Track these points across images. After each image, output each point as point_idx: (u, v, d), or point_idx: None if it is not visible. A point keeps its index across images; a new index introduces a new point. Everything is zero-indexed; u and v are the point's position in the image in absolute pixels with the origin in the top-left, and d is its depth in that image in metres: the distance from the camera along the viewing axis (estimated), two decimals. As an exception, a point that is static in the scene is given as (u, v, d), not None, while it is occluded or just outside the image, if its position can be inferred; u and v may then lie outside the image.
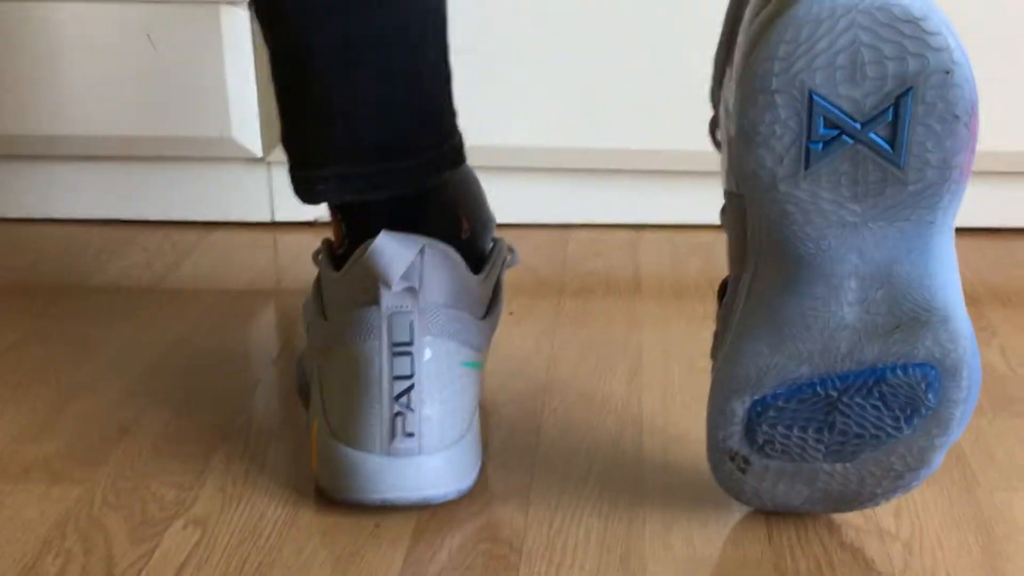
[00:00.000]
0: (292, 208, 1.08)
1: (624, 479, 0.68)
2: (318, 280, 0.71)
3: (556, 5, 0.99)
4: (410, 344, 0.63)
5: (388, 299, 0.63)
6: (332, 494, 0.65)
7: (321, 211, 1.06)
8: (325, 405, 0.66)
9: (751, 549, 0.62)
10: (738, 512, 0.65)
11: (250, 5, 0.67)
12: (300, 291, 0.94)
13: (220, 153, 1.04)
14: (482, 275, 0.69)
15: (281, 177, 1.07)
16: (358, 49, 0.63)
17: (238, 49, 1.01)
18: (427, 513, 0.65)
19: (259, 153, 1.04)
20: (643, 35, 1.00)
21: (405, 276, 0.63)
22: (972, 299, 0.67)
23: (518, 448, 0.72)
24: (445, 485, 0.64)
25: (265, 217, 1.08)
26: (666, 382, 0.79)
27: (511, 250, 0.74)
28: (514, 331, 0.87)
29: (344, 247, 0.69)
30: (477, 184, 0.74)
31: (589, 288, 0.95)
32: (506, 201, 1.08)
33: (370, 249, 0.63)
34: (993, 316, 0.88)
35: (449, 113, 0.69)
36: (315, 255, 0.71)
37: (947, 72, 0.53)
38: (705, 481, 0.68)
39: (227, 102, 1.02)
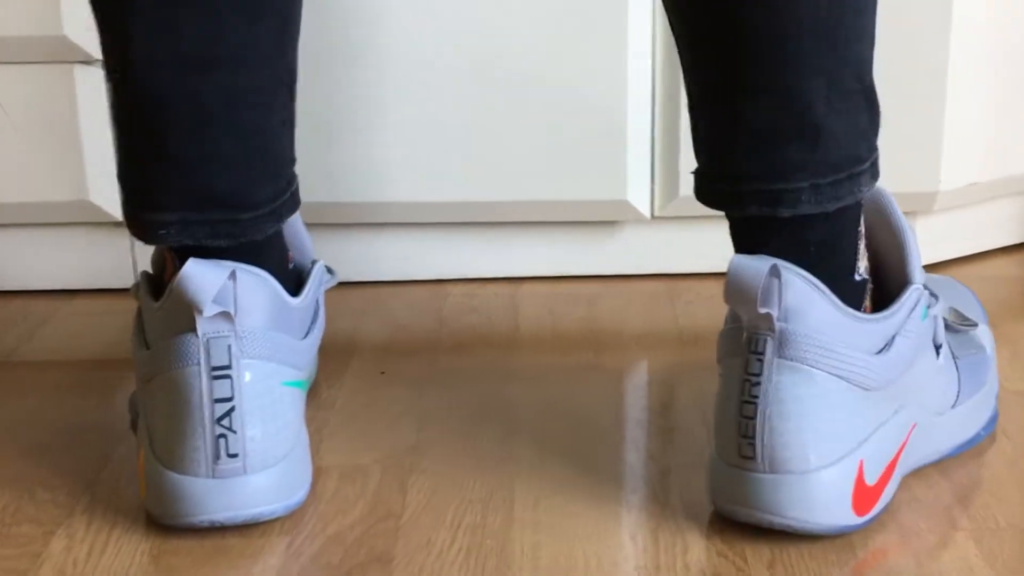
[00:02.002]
0: (157, 273, 1.03)
1: (493, 540, 0.65)
2: (139, 312, 0.71)
3: (429, 59, 0.97)
4: (229, 367, 0.64)
5: (204, 324, 0.64)
6: (161, 520, 0.66)
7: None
8: (151, 433, 0.66)
9: (622, 609, 0.59)
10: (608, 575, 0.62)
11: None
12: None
13: (77, 218, 1.00)
14: (300, 298, 0.70)
15: (145, 241, 1.03)
16: (210, 105, 0.64)
17: (94, 109, 0.97)
18: (279, 588, 0.61)
19: (119, 216, 1.00)
20: (515, 86, 0.98)
21: (218, 301, 0.64)
22: None
23: (383, 512, 0.68)
24: (272, 502, 0.65)
25: (128, 282, 1.03)
26: (540, 439, 0.77)
27: (330, 271, 0.77)
28: (385, 390, 0.84)
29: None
30: (297, 215, 0.78)
31: (465, 344, 0.92)
32: (381, 258, 1.05)
33: (179, 276, 0.63)
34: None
35: (290, 163, 0.70)
36: (135, 288, 0.72)
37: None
38: (576, 540, 0.65)
39: (83, 164, 0.98)
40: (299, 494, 0.67)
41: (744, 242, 0.67)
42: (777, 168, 0.64)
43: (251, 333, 0.65)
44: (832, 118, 0.64)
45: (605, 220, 1.03)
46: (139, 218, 0.67)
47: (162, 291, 0.67)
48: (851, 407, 0.63)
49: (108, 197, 0.99)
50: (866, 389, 0.64)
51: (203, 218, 0.66)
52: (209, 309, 0.63)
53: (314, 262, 0.76)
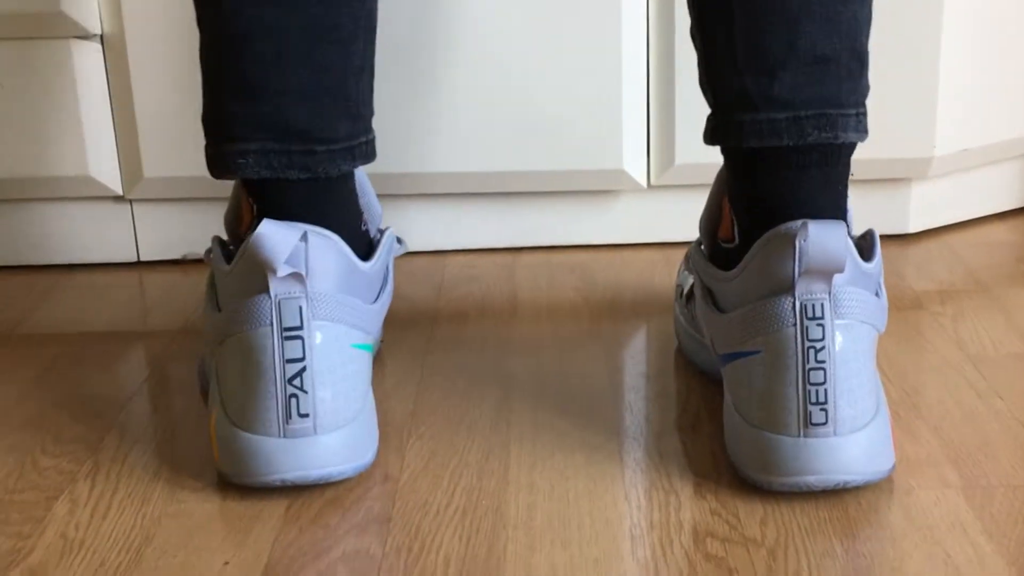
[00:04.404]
0: (158, 247, 1.04)
1: (488, 502, 0.66)
2: (211, 277, 0.73)
3: (427, 34, 0.98)
4: (300, 328, 0.65)
5: (277, 286, 0.65)
6: (236, 479, 0.67)
7: (189, 248, 1.04)
8: (223, 395, 0.68)
9: (614, 567, 0.60)
10: (601, 535, 0.63)
11: None
12: (169, 331, 0.91)
13: (78, 192, 1.01)
14: (371, 262, 0.71)
15: (145, 215, 1.04)
16: (289, 39, 0.67)
17: (92, 85, 0.98)
18: (280, 546, 0.62)
19: (119, 191, 1.01)
20: (511, 58, 0.98)
21: (290, 262, 0.65)
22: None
23: (380, 476, 0.69)
24: (343, 462, 0.66)
25: (130, 257, 1.04)
26: (537, 403, 0.77)
27: (399, 240, 0.78)
28: (383, 359, 0.85)
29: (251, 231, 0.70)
30: (368, 181, 0.80)
31: (463, 313, 0.93)
32: (380, 230, 1.06)
33: (253, 236, 0.64)
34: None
35: (368, 110, 0.73)
36: (207, 253, 0.74)
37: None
38: (570, 501, 0.66)
39: (83, 140, 0.99)
40: (367, 456, 0.68)
41: (765, 181, 0.67)
42: (835, 93, 0.66)
43: (322, 295, 0.66)
44: (867, 49, 0.67)
45: (602, 189, 1.04)
46: (220, 152, 0.69)
47: (235, 253, 0.69)
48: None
49: (109, 172, 1.00)
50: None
51: (281, 148, 0.68)
52: (282, 270, 0.64)
53: (383, 229, 0.77)
